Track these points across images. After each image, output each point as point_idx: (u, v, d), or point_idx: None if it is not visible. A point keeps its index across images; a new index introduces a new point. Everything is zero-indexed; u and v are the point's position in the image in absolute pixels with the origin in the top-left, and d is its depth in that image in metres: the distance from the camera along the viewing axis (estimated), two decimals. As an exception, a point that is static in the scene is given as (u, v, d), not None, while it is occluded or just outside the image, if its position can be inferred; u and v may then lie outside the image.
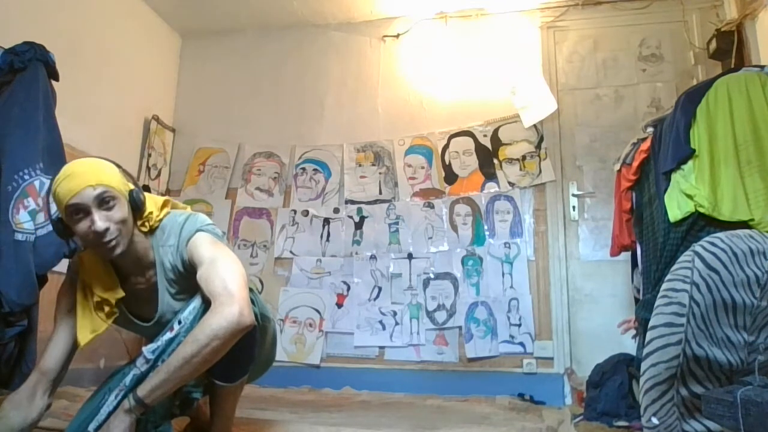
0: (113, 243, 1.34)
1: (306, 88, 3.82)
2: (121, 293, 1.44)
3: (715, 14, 3.29)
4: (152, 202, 1.46)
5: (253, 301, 1.39)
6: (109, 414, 1.32)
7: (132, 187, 1.40)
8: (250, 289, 1.41)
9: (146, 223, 1.42)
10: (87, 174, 1.31)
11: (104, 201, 1.32)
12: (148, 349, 1.33)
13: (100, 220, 1.30)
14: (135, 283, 1.47)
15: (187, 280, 1.41)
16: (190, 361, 1.24)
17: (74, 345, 1.50)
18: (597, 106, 3.42)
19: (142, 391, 1.27)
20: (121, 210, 1.35)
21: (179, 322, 1.34)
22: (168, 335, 1.33)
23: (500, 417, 2.37)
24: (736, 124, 1.86)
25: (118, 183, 1.36)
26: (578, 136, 3.39)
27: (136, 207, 1.39)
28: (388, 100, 3.69)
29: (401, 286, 3.35)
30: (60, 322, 1.48)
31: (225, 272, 1.32)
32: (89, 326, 1.42)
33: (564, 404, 2.89)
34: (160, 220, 1.45)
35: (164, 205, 1.49)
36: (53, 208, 1.39)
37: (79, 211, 1.31)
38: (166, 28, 3.94)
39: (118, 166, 1.42)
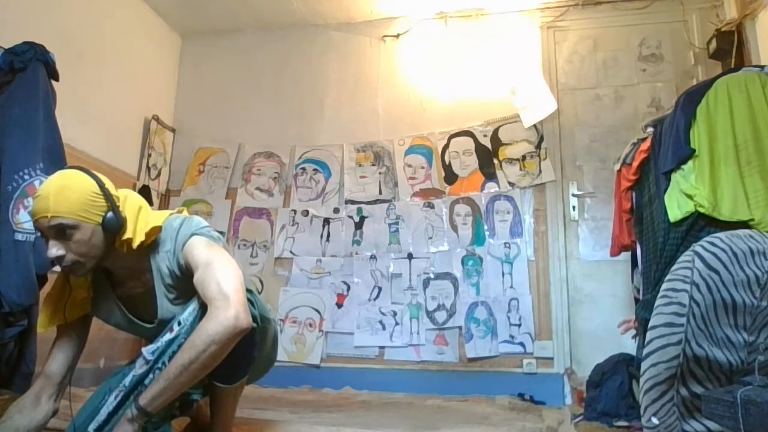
0: (71, 269, 1.34)
1: (306, 88, 3.82)
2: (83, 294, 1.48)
3: (715, 14, 3.29)
4: (144, 222, 1.38)
5: (252, 303, 1.39)
6: (109, 414, 1.32)
7: (105, 212, 1.33)
8: (250, 291, 1.41)
9: (125, 246, 1.36)
10: (47, 201, 1.27)
11: (61, 230, 1.28)
12: (147, 350, 1.33)
13: (52, 248, 1.29)
14: (131, 287, 1.48)
15: (186, 284, 1.40)
16: (188, 367, 1.24)
17: (78, 348, 1.51)
18: (597, 106, 3.42)
19: (143, 400, 1.27)
20: (83, 238, 1.30)
21: (179, 324, 1.34)
22: (168, 336, 1.33)
23: (500, 417, 2.37)
24: (736, 124, 1.86)
25: (83, 210, 1.29)
26: (578, 136, 3.39)
27: (112, 232, 1.34)
28: (388, 100, 3.69)
29: (401, 286, 3.35)
30: (61, 326, 1.49)
31: (220, 275, 1.31)
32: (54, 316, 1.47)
33: (564, 404, 2.89)
34: (144, 242, 1.37)
35: (152, 232, 1.39)
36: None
37: (41, 233, 1.32)
38: (166, 28, 3.94)
39: (101, 183, 1.35)
